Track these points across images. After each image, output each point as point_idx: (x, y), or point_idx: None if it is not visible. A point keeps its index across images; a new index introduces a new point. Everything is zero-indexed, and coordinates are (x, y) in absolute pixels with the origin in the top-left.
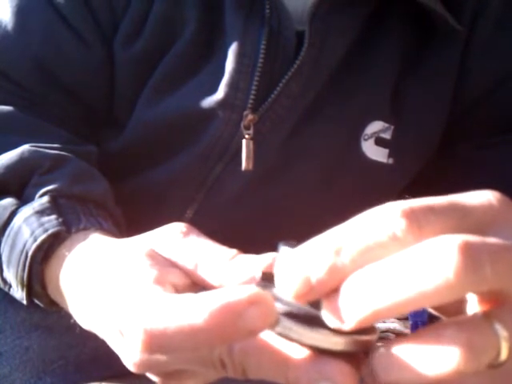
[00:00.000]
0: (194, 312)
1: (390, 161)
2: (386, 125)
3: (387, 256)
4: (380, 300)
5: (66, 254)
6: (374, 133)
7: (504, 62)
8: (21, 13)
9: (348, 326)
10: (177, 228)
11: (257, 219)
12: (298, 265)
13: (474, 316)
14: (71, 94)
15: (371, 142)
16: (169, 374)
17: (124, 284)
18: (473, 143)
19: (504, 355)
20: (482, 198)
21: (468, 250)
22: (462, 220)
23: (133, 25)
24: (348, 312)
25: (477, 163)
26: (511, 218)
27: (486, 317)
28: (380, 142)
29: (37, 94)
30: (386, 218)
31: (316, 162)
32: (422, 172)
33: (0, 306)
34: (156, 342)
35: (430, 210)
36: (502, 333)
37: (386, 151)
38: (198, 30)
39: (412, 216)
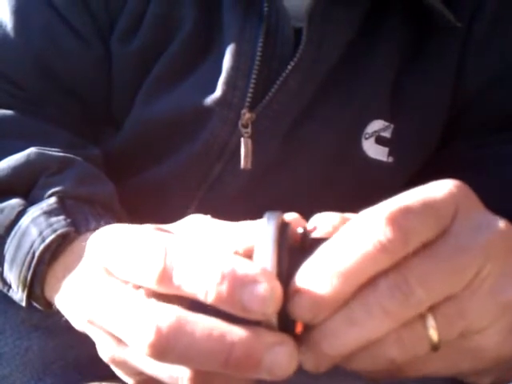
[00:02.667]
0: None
1: (390, 159)
2: (386, 123)
3: (377, 269)
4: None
5: (75, 254)
6: (375, 131)
7: (501, 60)
8: (20, 13)
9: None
10: (201, 218)
11: (258, 216)
12: (301, 297)
13: None
14: (71, 93)
15: (372, 140)
16: (140, 379)
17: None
18: (472, 142)
19: (436, 341)
20: (445, 189)
21: (399, 287)
22: (437, 216)
23: (129, 22)
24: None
25: (476, 162)
26: (470, 204)
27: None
28: (380, 140)
29: (37, 94)
30: (372, 229)
31: (316, 159)
32: (422, 171)
33: (0, 307)
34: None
35: (410, 212)
36: (431, 323)
37: (386, 150)
38: (196, 28)
39: (396, 223)
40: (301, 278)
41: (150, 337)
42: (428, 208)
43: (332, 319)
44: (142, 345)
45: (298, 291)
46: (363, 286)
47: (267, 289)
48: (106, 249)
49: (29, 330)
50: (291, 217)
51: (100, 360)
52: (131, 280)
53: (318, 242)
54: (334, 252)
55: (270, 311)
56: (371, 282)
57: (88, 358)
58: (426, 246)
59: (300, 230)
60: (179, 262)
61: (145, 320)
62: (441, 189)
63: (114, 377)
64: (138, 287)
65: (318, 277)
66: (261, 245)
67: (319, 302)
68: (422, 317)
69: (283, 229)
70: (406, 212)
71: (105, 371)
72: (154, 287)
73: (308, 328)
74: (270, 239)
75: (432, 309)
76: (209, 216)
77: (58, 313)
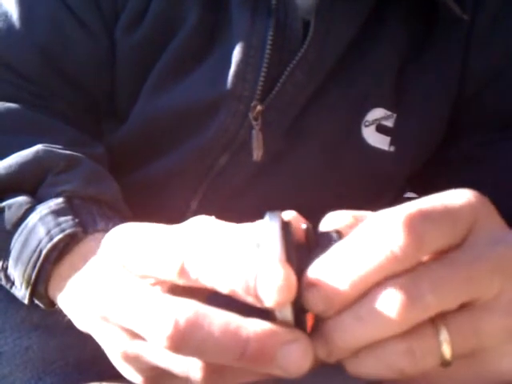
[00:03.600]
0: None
1: (392, 148)
2: (389, 112)
3: (389, 273)
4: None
5: (82, 253)
6: (376, 119)
7: (503, 55)
8: (25, 3)
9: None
10: (206, 219)
11: (260, 208)
12: (314, 288)
13: (421, 322)
14: (76, 84)
15: (372, 128)
16: (151, 375)
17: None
18: (474, 140)
19: (448, 356)
20: (464, 197)
21: (407, 290)
22: (455, 224)
23: (133, 13)
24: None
25: (478, 160)
26: (489, 216)
27: (433, 323)
28: (382, 129)
29: (42, 85)
30: (385, 235)
31: (318, 148)
32: (424, 169)
33: (0, 306)
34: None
35: (427, 218)
36: (445, 337)
37: (387, 139)
38: (201, 20)
39: (411, 229)
40: (315, 272)
41: (169, 329)
42: (446, 216)
43: (342, 314)
44: (161, 337)
45: (314, 283)
46: (374, 285)
47: (282, 277)
48: (123, 246)
49: (29, 329)
50: (290, 215)
51: (100, 360)
52: (151, 274)
53: (323, 236)
54: (348, 253)
55: (284, 299)
56: (382, 283)
57: (88, 358)
58: (441, 254)
59: (303, 226)
60: (199, 254)
61: (163, 313)
62: (460, 198)
63: (114, 377)
64: (155, 284)
65: (332, 274)
66: (267, 244)
67: (333, 296)
68: (434, 327)
69: (286, 226)
70: (424, 218)
71: (105, 371)
72: (175, 279)
73: (319, 323)
74: (277, 237)
75: (445, 321)
76: (213, 217)
77: (59, 312)
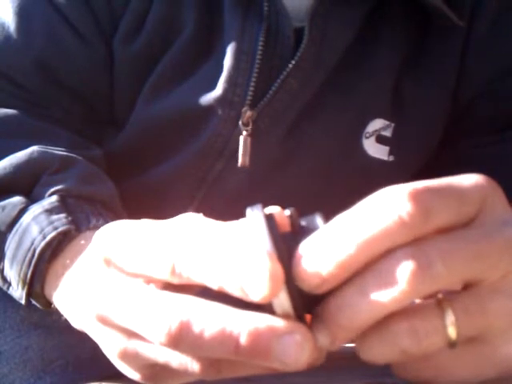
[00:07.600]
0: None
1: (391, 158)
2: (387, 122)
3: (395, 243)
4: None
5: (75, 251)
6: (376, 131)
7: (501, 60)
8: (22, 14)
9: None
10: (193, 217)
11: None
12: (308, 259)
13: (426, 303)
14: (73, 93)
15: (372, 139)
16: (149, 372)
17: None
18: (472, 141)
19: (454, 337)
20: (472, 179)
21: (417, 257)
22: (462, 201)
23: (132, 23)
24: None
25: (476, 161)
26: (498, 199)
27: (439, 303)
28: (381, 139)
29: (40, 95)
30: (392, 202)
31: (316, 158)
32: (422, 171)
33: (0, 305)
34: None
35: (434, 191)
36: (450, 317)
37: (386, 149)
38: (197, 28)
39: (418, 198)
40: (307, 244)
41: (166, 327)
42: (452, 191)
43: (345, 289)
44: (158, 335)
45: (302, 256)
46: (380, 257)
47: (265, 270)
48: (115, 244)
49: (29, 328)
50: (272, 210)
51: (100, 359)
52: (144, 273)
53: (308, 221)
54: (347, 220)
55: (270, 294)
56: (389, 254)
57: (88, 358)
58: (449, 230)
59: (287, 212)
60: (188, 253)
61: (160, 311)
62: (468, 179)
63: (114, 377)
64: (149, 282)
65: (326, 242)
66: (252, 237)
67: (325, 265)
68: (439, 307)
69: (269, 218)
70: (429, 190)
71: (105, 371)
72: (168, 278)
73: (319, 311)
74: (262, 226)
75: (451, 301)
76: (201, 214)
77: (57, 311)
